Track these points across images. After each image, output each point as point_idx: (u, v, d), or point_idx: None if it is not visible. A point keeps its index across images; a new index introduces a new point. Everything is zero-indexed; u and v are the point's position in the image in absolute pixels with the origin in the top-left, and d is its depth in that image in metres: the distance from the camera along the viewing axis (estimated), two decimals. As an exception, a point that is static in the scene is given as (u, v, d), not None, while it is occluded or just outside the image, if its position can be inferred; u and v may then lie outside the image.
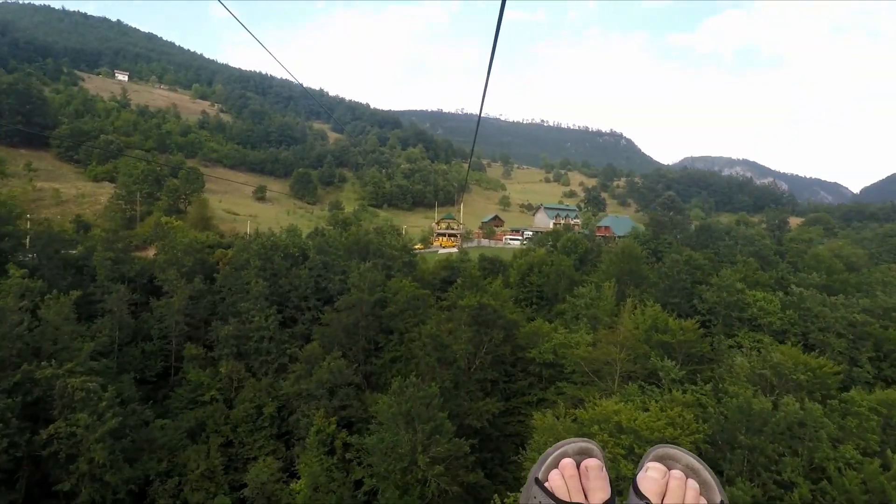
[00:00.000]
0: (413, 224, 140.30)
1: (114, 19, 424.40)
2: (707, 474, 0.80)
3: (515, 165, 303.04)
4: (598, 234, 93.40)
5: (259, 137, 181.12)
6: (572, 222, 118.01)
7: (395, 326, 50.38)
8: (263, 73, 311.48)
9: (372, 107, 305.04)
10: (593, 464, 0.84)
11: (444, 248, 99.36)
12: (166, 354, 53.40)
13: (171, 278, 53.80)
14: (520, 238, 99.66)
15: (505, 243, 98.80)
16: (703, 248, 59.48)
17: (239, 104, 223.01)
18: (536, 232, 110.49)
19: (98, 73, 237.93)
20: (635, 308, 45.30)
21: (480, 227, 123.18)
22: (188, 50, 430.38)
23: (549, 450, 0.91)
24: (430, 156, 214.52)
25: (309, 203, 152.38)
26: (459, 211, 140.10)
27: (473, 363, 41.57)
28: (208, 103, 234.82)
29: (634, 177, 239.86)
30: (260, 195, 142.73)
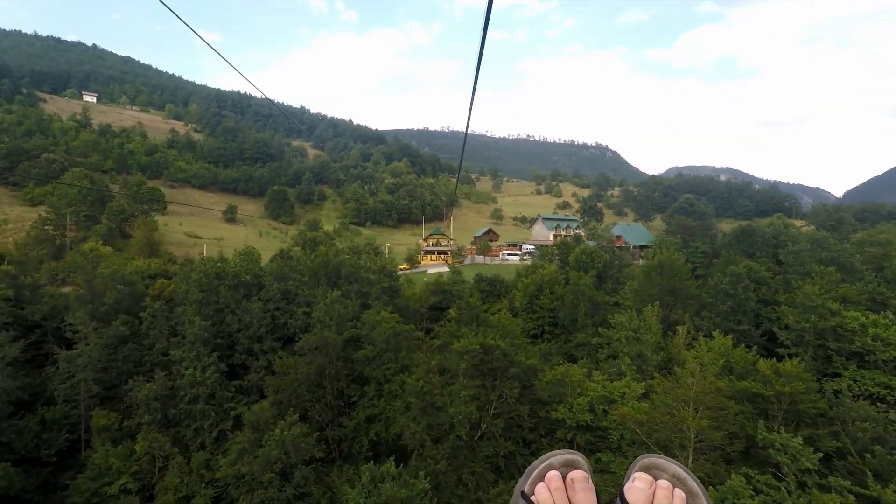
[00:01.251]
0: (398, 242, 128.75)
1: (89, 44, 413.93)
2: (694, 483, 0.79)
3: (505, 179, 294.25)
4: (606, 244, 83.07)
5: (232, 155, 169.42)
6: (574, 233, 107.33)
7: (371, 374, 38.36)
8: (242, 92, 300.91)
9: (355, 123, 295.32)
10: (579, 476, 0.83)
11: (433, 266, 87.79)
12: (74, 424, 40.73)
13: (78, 322, 41.40)
14: (518, 253, 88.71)
15: (503, 259, 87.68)
16: (749, 257, 48.77)
17: (213, 123, 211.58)
18: (536, 245, 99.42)
19: (63, 96, 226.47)
20: (692, 340, 33.85)
21: (473, 243, 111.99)
22: (166, 73, 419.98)
23: (535, 462, 0.89)
24: (417, 170, 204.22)
25: (285, 223, 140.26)
26: (449, 226, 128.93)
27: (478, 431, 29.61)
28: (181, 123, 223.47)
29: (629, 185, 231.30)
30: (230, 216, 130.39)
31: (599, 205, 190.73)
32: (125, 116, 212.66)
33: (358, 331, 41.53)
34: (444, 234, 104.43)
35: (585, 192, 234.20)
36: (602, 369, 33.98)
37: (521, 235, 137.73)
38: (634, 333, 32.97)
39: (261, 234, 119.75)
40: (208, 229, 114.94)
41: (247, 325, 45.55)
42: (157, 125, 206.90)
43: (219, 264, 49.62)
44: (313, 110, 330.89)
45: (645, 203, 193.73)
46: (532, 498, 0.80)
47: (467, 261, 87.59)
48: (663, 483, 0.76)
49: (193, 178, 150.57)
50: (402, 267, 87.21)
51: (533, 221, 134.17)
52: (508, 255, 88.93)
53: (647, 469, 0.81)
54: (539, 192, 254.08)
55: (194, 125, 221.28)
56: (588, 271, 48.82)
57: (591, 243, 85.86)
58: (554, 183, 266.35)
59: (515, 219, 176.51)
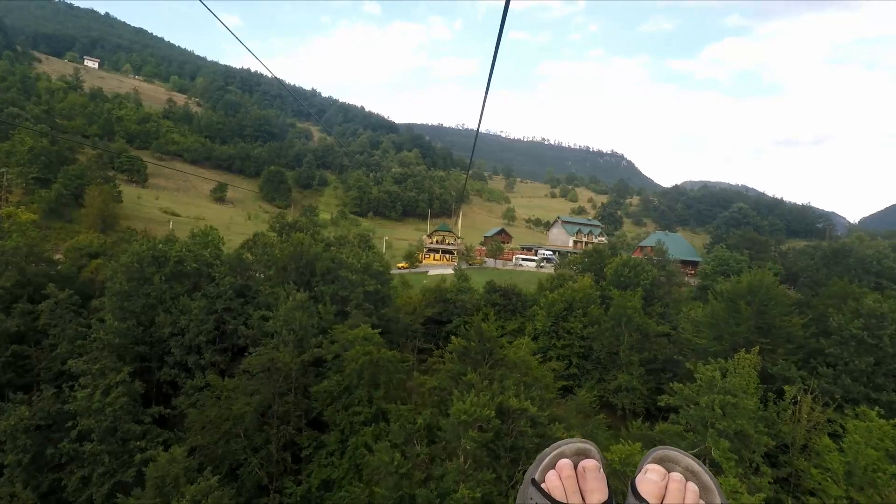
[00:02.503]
0: (400, 236, 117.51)
1: (102, 12, 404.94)
2: (707, 477, 0.78)
3: (518, 179, 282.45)
4: (636, 255, 71.34)
5: (231, 131, 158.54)
6: (596, 240, 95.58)
7: (332, 419, 27.14)
8: (252, 70, 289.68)
9: (367, 110, 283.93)
10: (591, 465, 0.82)
11: (436, 267, 76.53)
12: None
13: (-56, 311, 30.44)
14: (535, 258, 77.13)
15: (516, 264, 76.13)
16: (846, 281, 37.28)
17: (215, 97, 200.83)
18: (555, 251, 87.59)
19: (63, 59, 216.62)
20: (816, 415, 22.31)
21: (483, 243, 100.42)
22: (179, 46, 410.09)
23: (547, 450, 0.89)
24: (427, 163, 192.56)
25: (279, 207, 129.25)
26: (457, 223, 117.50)
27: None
28: (185, 96, 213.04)
29: (648, 194, 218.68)
30: (219, 195, 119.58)
31: (619, 212, 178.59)
32: (125, 84, 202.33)
33: (323, 351, 30.29)
34: (451, 231, 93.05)
35: (602, 199, 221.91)
36: (677, 440, 22.36)
37: (535, 239, 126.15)
38: (732, 398, 21.40)
39: (249, 216, 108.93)
40: (192, 207, 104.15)
41: (182, 329, 34.42)
42: (158, 95, 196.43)
43: (160, 246, 38.46)
44: (325, 94, 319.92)
45: (667, 213, 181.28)
46: (542, 485, 0.79)
47: (475, 265, 76.31)
48: (676, 476, 0.75)
49: (186, 152, 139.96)
50: (399, 265, 76.02)
51: (550, 225, 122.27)
52: (524, 259, 77.32)
53: (660, 461, 0.80)
54: (553, 195, 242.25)
55: (197, 99, 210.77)
56: (632, 290, 37.38)
57: (630, 254, 74.60)
58: (570, 187, 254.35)
59: (529, 221, 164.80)
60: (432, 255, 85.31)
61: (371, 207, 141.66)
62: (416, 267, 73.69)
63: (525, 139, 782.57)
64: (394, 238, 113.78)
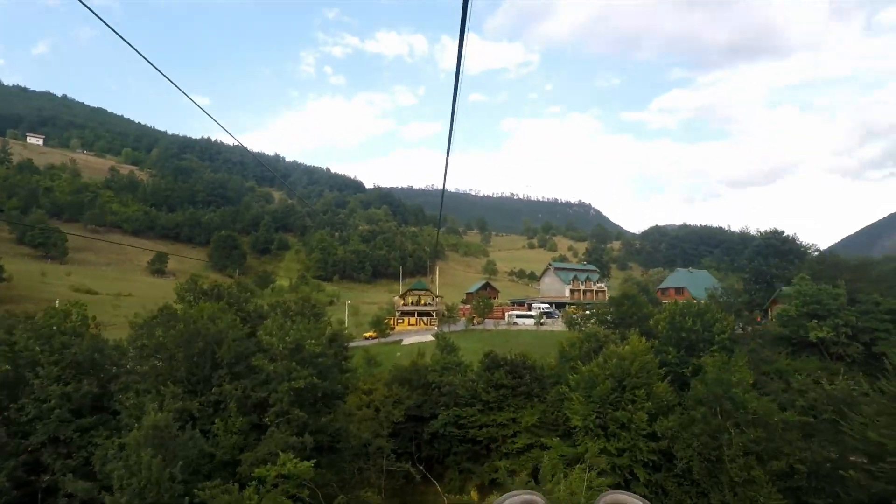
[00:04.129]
0: (370, 300, 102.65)
1: (59, 94, 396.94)
2: None
3: (493, 233, 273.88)
4: (661, 297, 59.15)
5: (181, 198, 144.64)
6: (595, 286, 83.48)
7: None
8: (213, 139, 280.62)
9: (332, 171, 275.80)
10: None
11: (411, 334, 62.10)
12: None
13: None
14: (532, 314, 63.50)
15: (510, 323, 62.26)
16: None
17: (168, 164, 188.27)
18: (551, 304, 74.13)
19: (4, 136, 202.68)
20: None
21: (466, 301, 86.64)
22: (138, 122, 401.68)
23: (494, 502, 0.83)
24: (398, 220, 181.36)
25: (231, 276, 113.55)
26: (434, 280, 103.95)
27: None
28: (134, 167, 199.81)
29: (629, 238, 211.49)
30: (157, 267, 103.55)
31: (604, 258, 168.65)
32: (69, 160, 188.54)
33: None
34: (427, 290, 79.24)
35: (582, 246, 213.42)
36: None
37: (523, 292, 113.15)
38: None
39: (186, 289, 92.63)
40: (119, 283, 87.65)
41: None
42: (104, 167, 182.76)
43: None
44: (289, 159, 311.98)
45: (654, 255, 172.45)
46: None
47: (460, 326, 62.27)
48: None
49: (126, 223, 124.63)
50: (367, 335, 61.16)
51: (540, 274, 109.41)
52: (518, 317, 63.64)
53: None
54: (532, 247, 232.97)
55: (149, 169, 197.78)
56: (721, 353, 24.11)
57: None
58: (547, 236, 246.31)
59: (511, 273, 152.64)
60: (407, 319, 70.75)
61: (337, 270, 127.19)
62: (388, 335, 58.92)
63: (494, 195, 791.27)
64: (361, 302, 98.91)
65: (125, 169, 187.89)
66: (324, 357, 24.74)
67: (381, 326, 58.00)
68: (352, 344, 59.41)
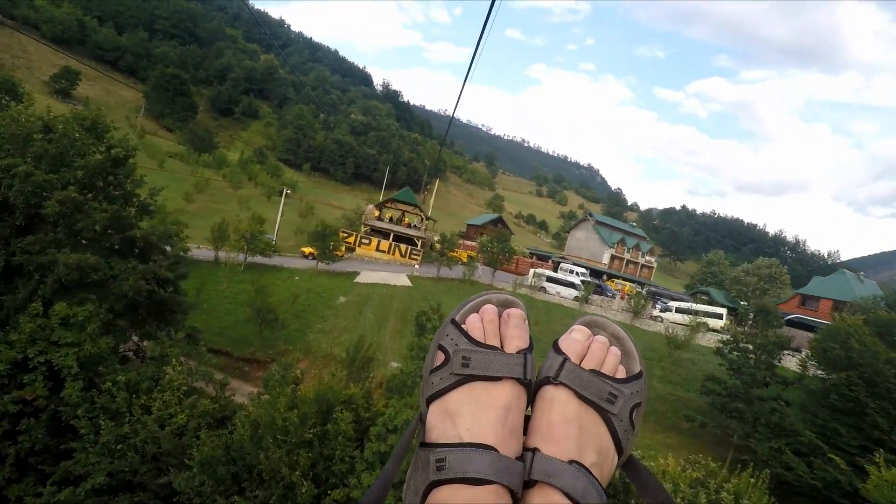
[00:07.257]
0: (340, 205, 77.72)
1: None
2: (631, 344, 0.77)
3: (501, 172, 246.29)
4: (797, 312, 36.84)
5: (135, 17, 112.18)
6: (643, 260, 60.74)
7: None
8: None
9: (341, 53, 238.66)
10: (516, 312, 0.78)
11: (374, 266, 38.76)
12: None
13: None
14: (574, 283, 39.19)
15: (535, 286, 37.76)
16: None
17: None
18: (587, 271, 50.76)
19: None
20: None
21: (464, 234, 62.94)
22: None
23: (472, 296, 0.84)
24: (402, 124, 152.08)
25: (168, 128, 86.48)
26: (428, 199, 79.29)
27: None
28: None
29: (650, 215, 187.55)
30: (61, 85, 75.66)
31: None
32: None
33: None
34: (417, 206, 54.94)
35: (595, 207, 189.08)
36: None
37: (532, 242, 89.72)
38: None
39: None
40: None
41: None
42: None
43: None
44: (295, 28, 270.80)
45: (678, 237, 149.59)
46: (462, 326, 0.76)
47: (455, 272, 38.47)
48: (600, 338, 0.76)
49: (47, 25, 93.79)
50: (306, 251, 37.76)
51: (573, 224, 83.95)
52: (549, 280, 39.50)
53: (587, 325, 0.80)
54: (540, 195, 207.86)
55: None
56: None
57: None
58: (559, 188, 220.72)
59: (519, 217, 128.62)
60: (377, 240, 46.73)
61: (311, 157, 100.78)
62: (338, 260, 34.91)
63: (505, 136, 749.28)
64: (327, 203, 74.26)
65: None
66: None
67: (328, 241, 33.67)
68: (278, 261, 35.47)
